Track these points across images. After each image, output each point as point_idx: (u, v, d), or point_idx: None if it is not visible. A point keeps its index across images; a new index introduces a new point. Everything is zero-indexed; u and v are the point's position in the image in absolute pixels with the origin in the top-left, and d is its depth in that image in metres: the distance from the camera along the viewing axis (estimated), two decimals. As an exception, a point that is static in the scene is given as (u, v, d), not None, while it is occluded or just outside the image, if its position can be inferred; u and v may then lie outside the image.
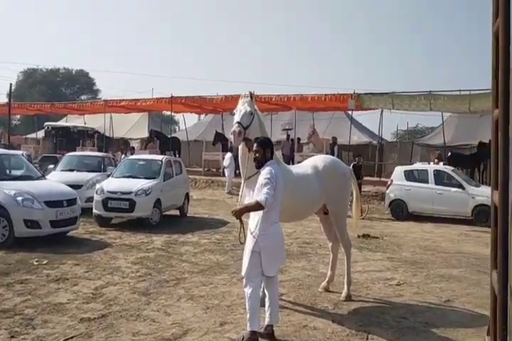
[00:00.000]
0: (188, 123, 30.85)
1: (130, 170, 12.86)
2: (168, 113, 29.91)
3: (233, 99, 17.11)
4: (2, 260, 7.62)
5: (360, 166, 15.67)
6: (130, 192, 11.40)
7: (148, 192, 11.57)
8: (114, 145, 26.71)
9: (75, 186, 11.58)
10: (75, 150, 21.15)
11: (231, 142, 5.77)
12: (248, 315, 4.76)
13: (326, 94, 20.66)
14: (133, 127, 31.99)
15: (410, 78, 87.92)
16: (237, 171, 16.27)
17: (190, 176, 17.65)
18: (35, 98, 44.58)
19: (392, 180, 15.53)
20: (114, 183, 11.88)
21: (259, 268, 4.79)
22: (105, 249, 8.83)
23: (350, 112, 22.84)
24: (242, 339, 4.71)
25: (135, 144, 28.52)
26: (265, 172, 4.84)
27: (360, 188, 14.94)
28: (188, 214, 13.84)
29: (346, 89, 22.92)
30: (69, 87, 61.93)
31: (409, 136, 34.16)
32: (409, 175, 15.48)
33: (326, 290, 6.65)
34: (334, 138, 21.65)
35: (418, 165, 16.57)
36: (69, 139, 26.22)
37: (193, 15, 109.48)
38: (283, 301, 6.05)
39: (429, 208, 14.80)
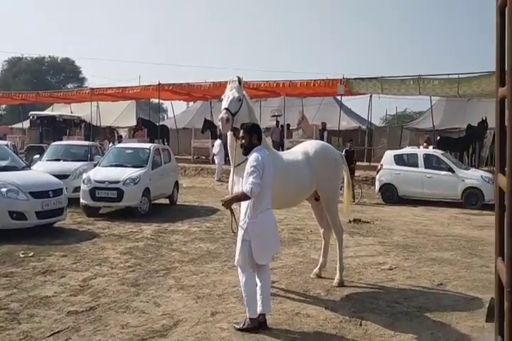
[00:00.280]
0: (176, 111, 30.47)
1: (118, 159, 12.64)
2: (157, 101, 29.55)
3: (222, 86, 16.81)
4: (-13, 253, 7.46)
5: (352, 151, 15.60)
6: (118, 181, 11.22)
7: (136, 181, 11.40)
8: (101, 134, 26.41)
9: (62, 176, 11.44)
10: (61, 140, 20.89)
11: (220, 129, 5.62)
12: (246, 303, 4.70)
13: (315, 80, 20.47)
14: (121, 115, 31.64)
15: (399, 63, 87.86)
16: (227, 158, 16.12)
17: (179, 164, 17.49)
18: (21, 87, 43.91)
19: (382, 165, 15.51)
20: (101, 172, 11.68)
21: (251, 256, 4.70)
22: (93, 240, 8.68)
23: (339, 97, 22.72)
24: (243, 325, 4.64)
25: (123, 133, 28.22)
26: (252, 159, 4.71)
27: (353, 173, 15.01)
28: (177, 203, 13.71)
29: (335, 74, 22.67)
30: (54, 75, 61.08)
31: (397, 120, 34.20)
32: (399, 160, 15.47)
33: (318, 276, 6.59)
34: (323, 124, 21.58)
35: (408, 150, 16.57)
36: (55, 128, 25.83)
37: (180, 2, 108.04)
38: (275, 289, 5.98)
39: (419, 192, 14.82)
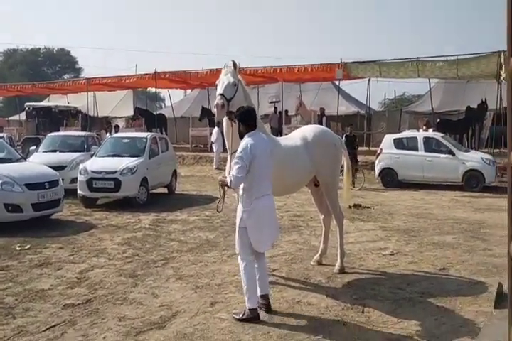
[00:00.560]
0: (173, 100, 30.26)
1: (114, 149, 12.49)
2: (153, 90, 29.27)
3: (218, 73, 16.47)
4: (-17, 246, 7.36)
5: (354, 136, 15.42)
6: (115, 172, 11.09)
7: (133, 171, 11.27)
8: (98, 124, 26.21)
9: (59, 167, 11.35)
10: (58, 131, 20.70)
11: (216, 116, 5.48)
12: (245, 292, 4.61)
13: (312, 65, 20.24)
14: (118, 105, 31.34)
15: (397, 46, 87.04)
16: (225, 146, 15.97)
17: (177, 153, 17.34)
18: (17, 79, 43.50)
19: (381, 149, 15.36)
20: (98, 163, 11.55)
21: (250, 244, 4.60)
22: (91, 231, 8.58)
23: (337, 82, 22.48)
24: (242, 316, 4.56)
25: (120, 123, 27.99)
26: (241, 146, 4.58)
27: (356, 158, 14.85)
28: (176, 192, 13.59)
29: (333, 58, 22.32)
30: (50, 66, 60.67)
31: (396, 104, 33.92)
32: (399, 143, 15.31)
33: (319, 263, 6.48)
34: (322, 109, 21.39)
35: (407, 133, 16.39)
36: (52, 119, 25.68)
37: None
38: (275, 276, 5.90)
39: (419, 175, 14.69)
